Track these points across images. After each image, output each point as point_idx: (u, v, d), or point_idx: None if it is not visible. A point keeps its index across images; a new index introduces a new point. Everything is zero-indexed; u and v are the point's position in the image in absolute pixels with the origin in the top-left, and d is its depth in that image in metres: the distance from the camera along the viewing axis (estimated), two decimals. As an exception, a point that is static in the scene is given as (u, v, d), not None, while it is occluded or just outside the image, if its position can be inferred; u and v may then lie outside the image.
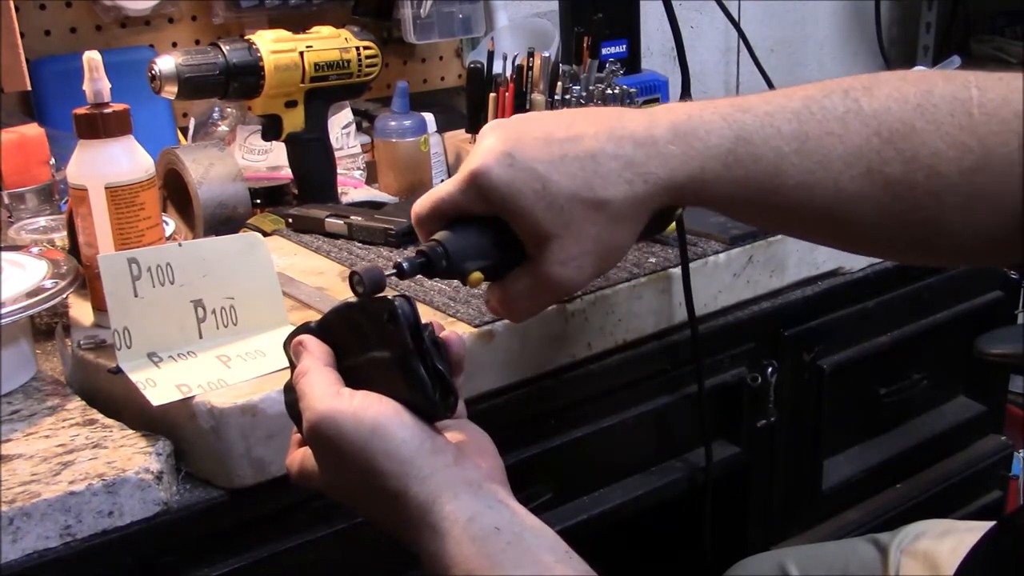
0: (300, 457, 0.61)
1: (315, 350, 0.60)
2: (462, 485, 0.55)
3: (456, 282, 0.84)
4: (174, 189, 1.10)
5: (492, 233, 0.63)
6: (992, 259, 0.63)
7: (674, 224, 0.85)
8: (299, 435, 0.62)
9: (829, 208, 0.60)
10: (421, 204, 0.65)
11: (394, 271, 0.60)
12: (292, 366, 0.62)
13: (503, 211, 0.62)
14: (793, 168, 0.59)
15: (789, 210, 0.61)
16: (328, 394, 0.57)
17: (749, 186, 0.60)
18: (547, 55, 1.24)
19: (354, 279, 0.57)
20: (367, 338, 0.58)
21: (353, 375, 0.59)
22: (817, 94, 0.61)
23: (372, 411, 0.55)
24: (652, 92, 1.56)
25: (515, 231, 0.62)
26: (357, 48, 1.16)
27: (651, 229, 0.68)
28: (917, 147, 0.58)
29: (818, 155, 0.59)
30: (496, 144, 0.61)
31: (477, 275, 0.63)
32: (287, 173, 1.22)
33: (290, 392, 0.61)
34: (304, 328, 0.62)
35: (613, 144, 0.61)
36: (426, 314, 0.85)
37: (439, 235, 0.63)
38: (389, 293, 0.58)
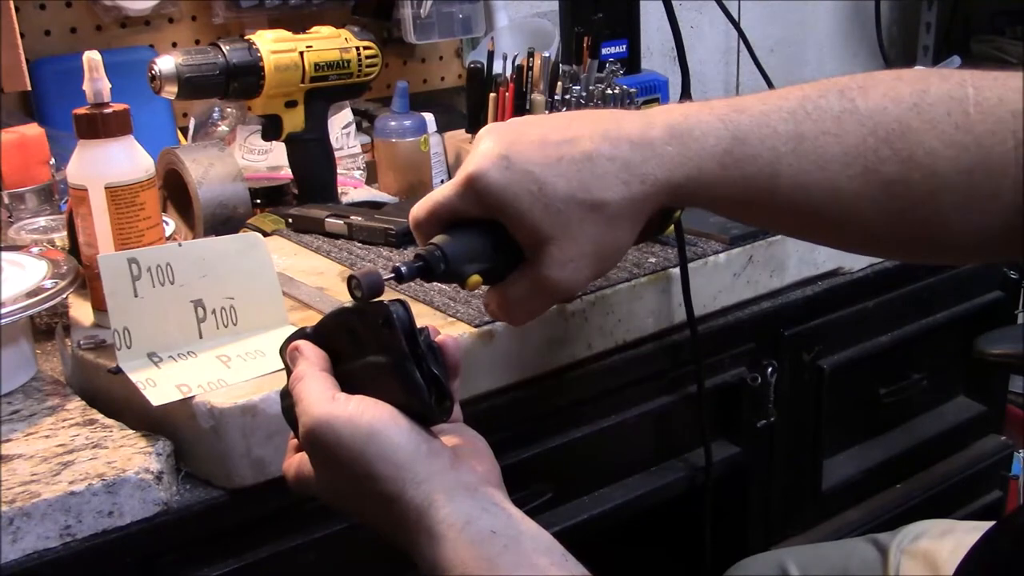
0: (297, 462, 0.61)
1: (311, 355, 0.60)
2: (458, 489, 0.55)
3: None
4: (174, 189, 1.10)
5: (490, 236, 0.63)
6: (990, 256, 0.63)
7: (672, 225, 0.85)
8: (296, 440, 0.62)
9: (826, 208, 0.60)
10: (418, 208, 0.65)
11: (392, 275, 0.60)
12: (288, 371, 0.62)
13: (500, 214, 0.61)
14: (790, 168, 0.59)
15: (786, 210, 0.61)
16: (324, 399, 0.57)
17: (746, 186, 0.60)
18: (547, 55, 1.24)
19: (352, 283, 0.57)
20: (363, 343, 0.58)
21: (349, 380, 0.59)
22: (813, 94, 0.61)
23: (368, 416, 0.55)
24: (652, 92, 1.56)
25: (512, 234, 0.62)
26: (357, 48, 1.16)
27: (650, 231, 0.68)
28: (913, 146, 0.58)
29: (815, 155, 0.59)
30: (492, 147, 0.61)
31: (475, 278, 0.63)
32: (287, 173, 1.22)
33: (286, 397, 0.61)
34: (300, 333, 0.62)
35: (609, 145, 0.61)
36: (426, 314, 0.85)
37: (437, 239, 0.63)
38: (388, 295, 0.58)
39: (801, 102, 0.60)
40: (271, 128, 1.15)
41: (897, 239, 0.61)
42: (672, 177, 0.60)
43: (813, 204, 0.60)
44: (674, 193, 0.61)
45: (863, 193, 0.59)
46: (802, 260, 1.06)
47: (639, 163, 0.60)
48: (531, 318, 0.67)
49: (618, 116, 0.63)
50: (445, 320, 0.84)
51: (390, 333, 0.56)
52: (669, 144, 0.60)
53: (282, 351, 0.63)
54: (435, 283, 0.90)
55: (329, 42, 1.14)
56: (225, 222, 1.06)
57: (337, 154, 1.28)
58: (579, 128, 0.62)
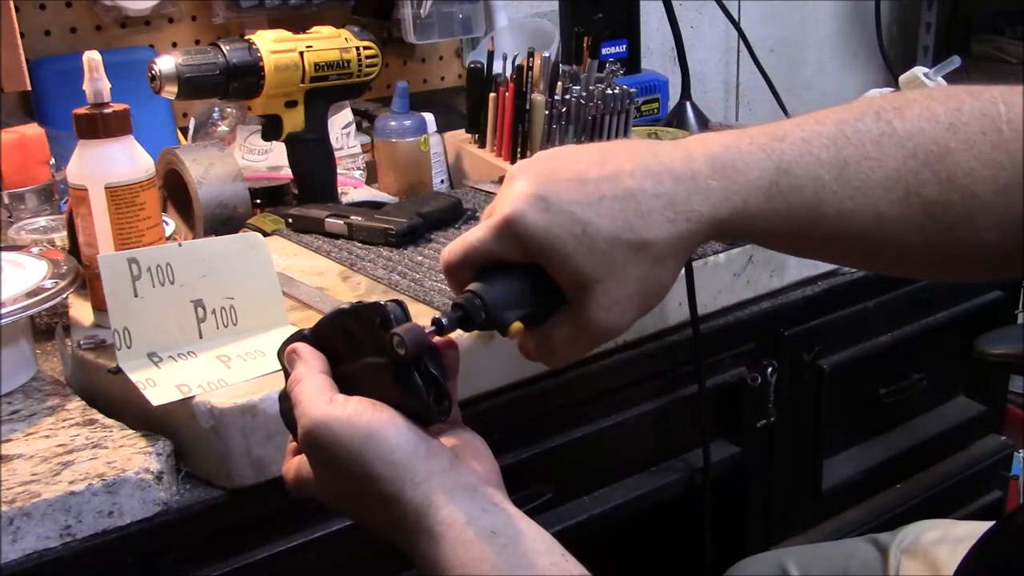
0: (296, 465, 0.61)
1: (309, 357, 0.60)
2: (457, 489, 0.55)
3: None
4: (174, 189, 1.10)
5: (528, 280, 0.60)
6: (1018, 272, 0.62)
7: None
8: (295, 443, 0.62)
9: (867, 233, 0.59)
10: (451, 252, 0.62)
11: (433, 328, 0.59)
12: (286, 374, 0.62)
13: (541, 257, 0.59)
14: (834, 196, 0.58)
15: (828, 237, 0.60)
16: (322, 401, 0.57)
17: (791, 217, 0.59)
18: (547, 55, 1.24)
19: (395, 340, 0.55)
20: (361, 344, 0.58)
21: (348, 381, 0.59)
22: (850, 117, 0.59)
23: (366, 417, 0.55)
24: (652, 92, 1.57)
25: (554, 277, 0.60)
26: (357, 48, 1.16)
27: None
28: (952, 167, 0.57)
29: (857, 181, 0.58)
30: (527, 187, 0.58)
31: (518, 325, 0.60)
32: (287, 173, 1.22)
33: (285, 400, 0.61)
34: (297, 336, 0.62)
35: (652, 181, 0.58)
36: (426, 314, 0.85)
37: (474, 286, 0.60)
38: (384, 297, 0.58)
39: (839, 126, 0.59)
40: (271, 128, 1.15)
41: (932, 260, 0.61)
42: (718, 212, 0.58)
43: (854, 230, 0.59)
44: (719, 228, 0.59)
45: (904, 216, 0.58)
46: (802, 260, 1.06)
47: (684, 199, 0.58)
48: (572, 360, 0.64)
49: (654, 148, 0.61)
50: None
51: (387, 334, 0.56)
52: (713, 178, 0.58)
53: (280, 354, 0.63)
54: (434, 282, 0.90)
55: (329, 42, 1.14)
56: (225, 222, 1.06)
57: (337, 154, 1.28)
58: (617, 162, 0.60)
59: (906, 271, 0.67)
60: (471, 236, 0.61)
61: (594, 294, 0.59)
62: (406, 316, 0.56)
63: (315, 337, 0.62)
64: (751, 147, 0.59)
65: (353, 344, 0.59)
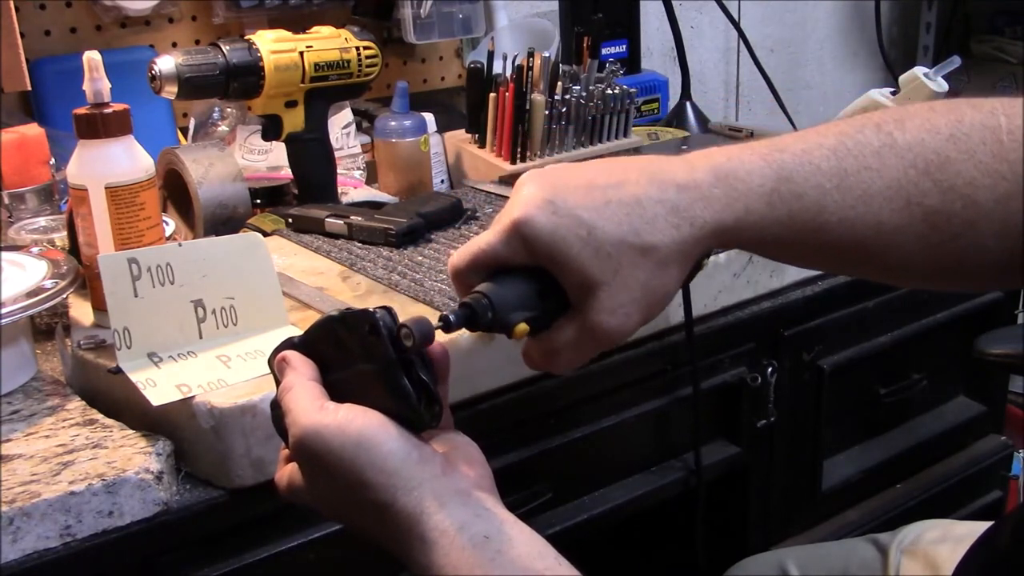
0: (288, 472, 0.61)
1: (299, 365, 0.60)
2: (450, 494, 0.55)
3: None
4: (174, 189, 1.10)
5: (535, 284, 0.61)
6: (1019, 281, 0.63)
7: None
8: (287, 451, 0.62)
9: (869, 242, 0.60)
10: (460, 256, 0.63)
11: (440, 324, 0.59)
12: (277, 382, 0.62)
13: (547, 260, 0.60)
14: (835, 204, 0.59)
15: (831, 247, 0.61)
16: (312, 408, 0.57)
17: (793, 226, 0.60)
18: (547, 55, 1.24)
19: (403, 332, 0.56)
20: (351, 351, 0.58)
21: (338, 389, 0.59)
22: (850, 130, 0.61)
23: (357, 423, 0.55)
24: (652, 92, 1.57)
25: (560, 280, 0.61)
26: (357, 48, 1.16)
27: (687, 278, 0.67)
28: (953, 177, 0.58)
29: (858, 190, 0.59)
30: (536, 192, 0.60)
31: (523, 327, 0.61)
32: (287, 173, 1.22)
33: (276, 408, 0.61)
34: (287, 344, 0.62)
35: (657, 189, 0.60)
36: (426, 315, 0.85)
37: (482, 287, 0.61)
38: (385, 298, 0.58)
39: (840, 138, 0.60)
40: (271, 128, 1.15)
41: (934, 269, 0.61)
42: (720, 219, 0.60)
43: (857, 240, 0.60)
44: (722, 235, 0.60)
45: (905, 226, 0.59)
46: (802, 260, 1.06)
47: (687, 206, 0.60)
48: (574, 366, 0.65)
49: (660, 161, 0.63)
50: (445, 320, 0.84)
51: (376, 340, 0.56)
52: (715, 186, 0.60)
53: (270, 362, 0.63)
54: (435, 282, 0.90)
55: (329, 42, 1.14)
56: (225, 222, 1.06)
57: (337, 154, 1.28)
58: (624, 172, 0.61)
59: (911, 281, 0.67)
60: (480, 240, 0.62)
61: (598, 297, 0.60)
62: (395, 322, 0.56)
63: (305, 344, 0.62)
64: (752, 157, 0.60)
65: (343, 351, 0.59)
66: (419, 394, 0.56)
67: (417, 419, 0.57)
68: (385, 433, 0.55)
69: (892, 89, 1.21)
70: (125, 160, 0.82)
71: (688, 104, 1.56)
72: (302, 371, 0.60)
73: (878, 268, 0.64)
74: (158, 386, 0.74)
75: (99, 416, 0.78)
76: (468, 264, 0.62)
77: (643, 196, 0.60)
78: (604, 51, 1.46)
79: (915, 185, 0.58)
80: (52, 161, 1.08)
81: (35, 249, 0.91)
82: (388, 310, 0.56)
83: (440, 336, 0.59)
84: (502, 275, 0.62)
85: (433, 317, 0.58)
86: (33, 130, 1.08)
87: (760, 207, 0.59)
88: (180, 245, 0.79)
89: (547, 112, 1.23)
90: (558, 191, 0.60)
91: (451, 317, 0.59)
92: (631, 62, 1.56)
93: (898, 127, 0.60)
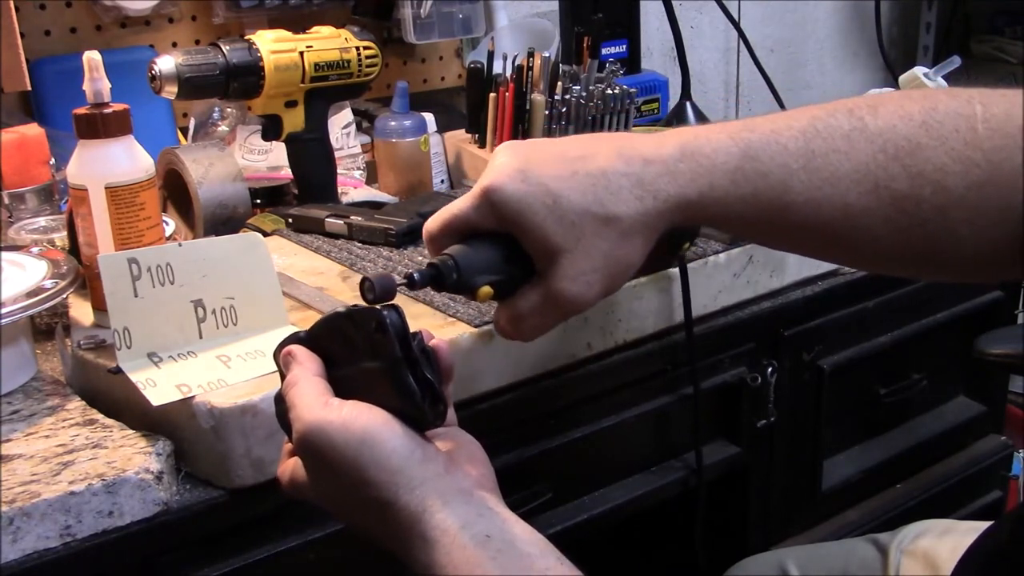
0: (291, 467, 0.61)
1: (304, 360, 0.60)
2: (452, 493, 0.55)
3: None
4: (174, 189, 1.10)
5: (503, 249, 0.64)
6: (997, 274, 0.63)
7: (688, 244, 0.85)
8: (290, 445, 0.62)
9: (837, 225, 0.60)
10: (433, 221, 0.66)
11: (404, 281, 0.60)
12: (282, 376, 0.62)
13: (514, 226, 0.62)
14: (801, 185, 0.60)
15: (798, 227, 0.61)
16: (317, 404, 0.57)
17: (758, 204, 0.61)
18: (547, 55, 1.24)
19: (365, 285, 0.57)
20: (357, 348, 0.58)
21: (343, 385, 0.59)
22: (822, 114, 0.61)
23: (361, 421, 0.55)
24: (652, 92, 1.56)
25: (525, 247, 0.63)
26: (357, 48, 1.16)
27: (658, 259, 0.68)
28: (922, 163, 0.58)
29: (825, 172, 0.60)
30: (509, 161, 0.63)
31: (486, 290, 0.64)
32: (287, 173, 1.22)
33: (280, 403, 0.61)
34: (293, 338, 0.62)
35: (623, 162, 0.62)
36: (426, 314, 0.85)
37: (450, 249, 0.64)
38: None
39: (811, 121, 0.61)
40: (271, 128, 1.15)
41: (907, 256, 0.62)
42: (684, 193, 0.61)
43: (823, 221, 0.60)
44: (686, 210, 0.62)
45: (873, 209, 0.59)
46: (802, 260, 1.06)
47: (652, 180, 0.61)
48: (539, 334, 0.67)
49: (632, 137, 0.64)
50: (445, 320, 0.84)
51: (383, 338, 0.56)
52: (681, 161, 0.61)
53: (276, 356, 0.63)
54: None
55: (329, 42, 1.14)
56: (225, 222, 1.06)
57: (337, 154, 1.28)
58: (594, 146, 0.63)
59: (881, 267, 0.68)
60: (453, 206, 0.64)
61: (561, 264, 0.62)
62: (402, 320, 0.56)
63: (311, 339, 0.62)
64: (720, 135, 0.62)
65: (349, 348, 0.59)
66: (424, 393, 0.56)
67: (422, 418, 0.57)
68: (389, 431, 0.55)
69: (892, 89, 1.21)
70: (125, 160, 0.82)
71: (688, 104, 1.55)
72: (308, 366, 0.60)
73: (847, 251, 0.65)
74: (158, 386, 0.74)
75: (99, 416, 0.78)
76: (441, 228, 0.65)
77: (609, 169, 0.61)
78: (604, 51, 1.46)
79: (884, 169, 0.59)
80: (52, 161, 1.08)
81: (35, 249, 0.91)
82: (395, 308, 0.57)
83: (440, 336, 0.59)
84: (472, 240, 0.64)
85: (434, 317, 0.58)
86: (33, 130, 1.08)
87: (724, 183, 0.61)
88: (180, 245, 0.79)
89: (547, 112, 1.23)
90: (530, 161, 0.62)
91: (415, 275, 0.61)
92: (631, 62, 1.56)
93: (870, 112, 0.60)
